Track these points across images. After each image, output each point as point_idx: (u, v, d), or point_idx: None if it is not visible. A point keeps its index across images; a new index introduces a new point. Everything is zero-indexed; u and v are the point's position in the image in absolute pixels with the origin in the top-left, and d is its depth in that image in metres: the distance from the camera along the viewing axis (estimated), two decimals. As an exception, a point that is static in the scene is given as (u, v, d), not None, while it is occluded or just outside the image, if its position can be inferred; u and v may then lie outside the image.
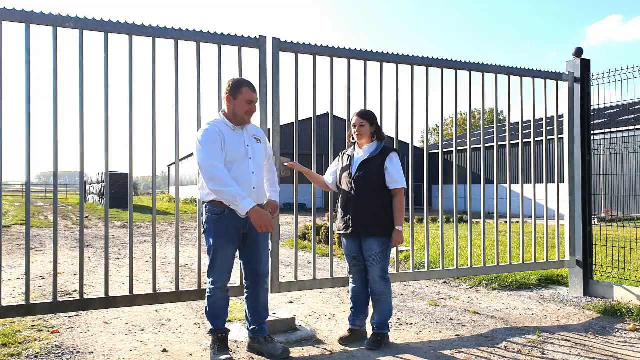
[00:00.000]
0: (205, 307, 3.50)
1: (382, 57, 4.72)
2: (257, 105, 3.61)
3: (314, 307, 5.11)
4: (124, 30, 3.80)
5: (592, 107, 5.64)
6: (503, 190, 18.40)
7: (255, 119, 3.73)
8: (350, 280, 3.97)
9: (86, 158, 3.77)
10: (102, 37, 3.76)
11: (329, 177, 4.13)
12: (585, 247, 5.59)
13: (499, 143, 6.14)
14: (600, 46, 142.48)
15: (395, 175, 3.77)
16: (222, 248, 3.41)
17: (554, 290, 5.91)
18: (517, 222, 14.05)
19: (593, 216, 5.72)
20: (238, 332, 4.02)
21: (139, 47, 47.23)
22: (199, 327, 4.31)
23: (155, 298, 3.96)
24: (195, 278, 6.25)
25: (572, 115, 5.70)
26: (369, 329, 3.91)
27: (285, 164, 4.06)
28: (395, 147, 4.39)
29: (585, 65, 5.68)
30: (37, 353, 3.59)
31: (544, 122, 5.61)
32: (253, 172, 3.47)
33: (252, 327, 3.62)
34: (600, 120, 6.39)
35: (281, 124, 4.32)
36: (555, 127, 5.77)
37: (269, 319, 4.05)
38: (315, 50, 4.43)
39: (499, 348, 3.80)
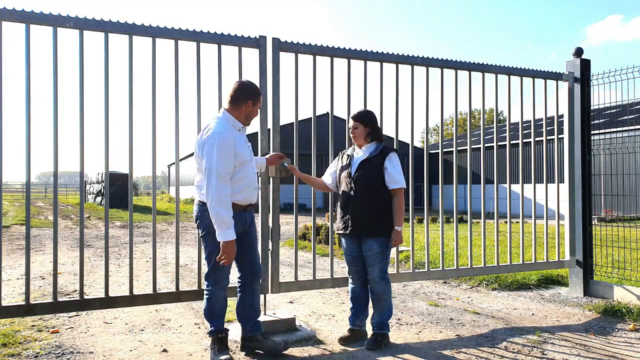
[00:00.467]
0: (205, 309, 3.49)
1: (382, 57, 4.72)
2: None
3: (314, 307, 5.11)
4: (124, 30, 3.80)
5: (592, 107, 5.64)
6: (503, 190, 18.41)
7: (255, 119, 3.74)
8: (350, 281, 3.97)
9: (86, 158, 3.77)
10: (102, 37, 3.76)
11: (328, 178, 4.12)
12: (585, 247, 5.59)
13: (499, 143, 6.14)
14: (600, 46, 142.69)
15: (394, 175, 3.77)
16: None
17: (554, 290, 5.91)
18: (517, 222, 14.05)
19: (593, 216, 5.72)
20: (237, 332, 4.02)
21: (139, 47, 47.25)
22: (199, 327, 4.31)
23: (155, 298, 3.96)
24: (195, 278, 6.25)
25: (572, 115, 5.70)
26: (369, 329, 3.91)
27: (285, 165, 4.06)
28: (395, 147, 4.39)
29: (585, 65, 5.68)
30: (37, 353, 3.59)
31: (544, 122, 5.61)
32: (255, 173, 3.54)
33: (250, 325, 3.61)
34: (600, 120, 6.40)
35: (281, 124, 4.32)
36: (555, 127, 5.76)
37: (269, 319, 4.06)
38: (315, 50, 4.43)
39: (499, 348, 3.80)
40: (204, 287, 3.55)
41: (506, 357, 3.58)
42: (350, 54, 4.57)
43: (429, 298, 5.54)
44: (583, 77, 5.63)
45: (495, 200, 5.31)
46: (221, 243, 3.22)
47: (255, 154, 3.84)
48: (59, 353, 3.61)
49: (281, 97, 4.28)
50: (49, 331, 4.13)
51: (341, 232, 3.88)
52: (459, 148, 10.40)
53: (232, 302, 4.78)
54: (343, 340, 3.84)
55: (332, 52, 4.49)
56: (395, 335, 4.09)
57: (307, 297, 5.51)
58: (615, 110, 16.90)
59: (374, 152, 3.82)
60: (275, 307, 4.98)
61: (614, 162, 6.26)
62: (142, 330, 4.23)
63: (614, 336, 4.12)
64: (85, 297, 3.79)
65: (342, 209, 3.88)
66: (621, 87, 5.26)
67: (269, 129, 4.26)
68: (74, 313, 4.65)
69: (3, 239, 9.28)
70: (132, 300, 3.88)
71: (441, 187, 4.89)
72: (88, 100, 3.72)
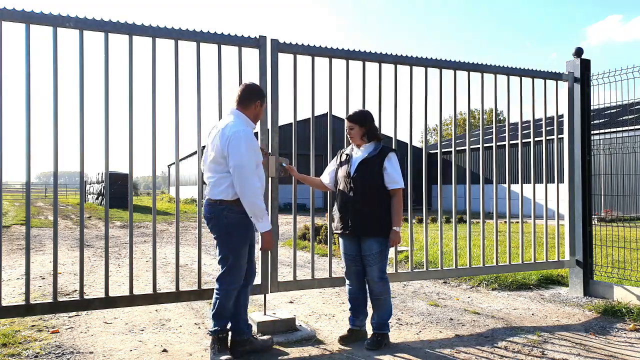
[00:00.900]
0: (215, 309, 3.43)
1: (381, 58, 4.72)
2: None
3: (314, 307, 5.11)
4: (124, 30, 3.80)
5: (592, 107, 5.64)
6: (502, 190, 18.41)
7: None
8: (347, 282, 3.96)
9: (86, 158, 3.77)
10: (102, 37, 3.76)
11: (326, 177, 4.11)
12: (585, 247, 5.59)
13: (498, 143, 6.13)
14: (600, 46, 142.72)
15: (393, 175, 3.77)
16: (244, 247, 3.46)
17: (554, 290, 5.92)
18: (517, 222, 14.05)
19: (593, 216, 5.72)
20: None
21: (139, 47, 47.25)
22: (199, 327, 4.31)
23: (155, 298, 3.96)
24: (195, 278, 6.25)
25: (572, 115, 5.70)
26: (369, 329, 3.91)
27: (284, 165, 4.06)
28: (394, 147, 4.39)
29: (585, 65, 5.68)
30: (37, 353, 3.59)
31: (543, 122, 5.61)
32: (264, 175, 3.64)
33: (245, 326, 3.59)
34: (600, 120, 6.40)
35: (280, 124, 4.33)
36: (555, 127, 5.77)
37: (269, 318, 4.06)
38: (314, 51, 4.43)
39: (499, 348, 3.80)
40: (204, 286, 3.55)
41: (506, 357, 3.59)
42: (348, 55, 4.57)
43: (429, 298, 5.54)
44: (583, 77, 5.63)
45: (494, 200, 5.31)
46: (262, 234, 3.43)
47: None
48: (59, 353, 3.61)
49: (280, 98, 4.30)
50: (49, 331, 4.13)
51: (340, 232, 3.87)
52: (458, 148, 10.43)
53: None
54: (343, 340, 3.84)
55: (331, 53, 4.49)
56: (395, 335, 4.09)
57: (307, 297, 5.51)
58: (615, 110, 16.90)
59: (373, 152, 3.82)
60: (275, 307, 4.98)
61: (614, 162, 6.25)
62: (142, 330, 4.23)
63: (614, 336, 4.12)
64: (85, 297, 3.79)
65: (340, 208, 3.88)
66: (621, 87, 5.27)
67: (268, 129, 4.26)
68: (74, 313, 4.66)
69: (3, 239, 9.28)
70: (132, 300, 3.88)
71: (440, 187, 4.89)
72: (88, 100, 3.72)
